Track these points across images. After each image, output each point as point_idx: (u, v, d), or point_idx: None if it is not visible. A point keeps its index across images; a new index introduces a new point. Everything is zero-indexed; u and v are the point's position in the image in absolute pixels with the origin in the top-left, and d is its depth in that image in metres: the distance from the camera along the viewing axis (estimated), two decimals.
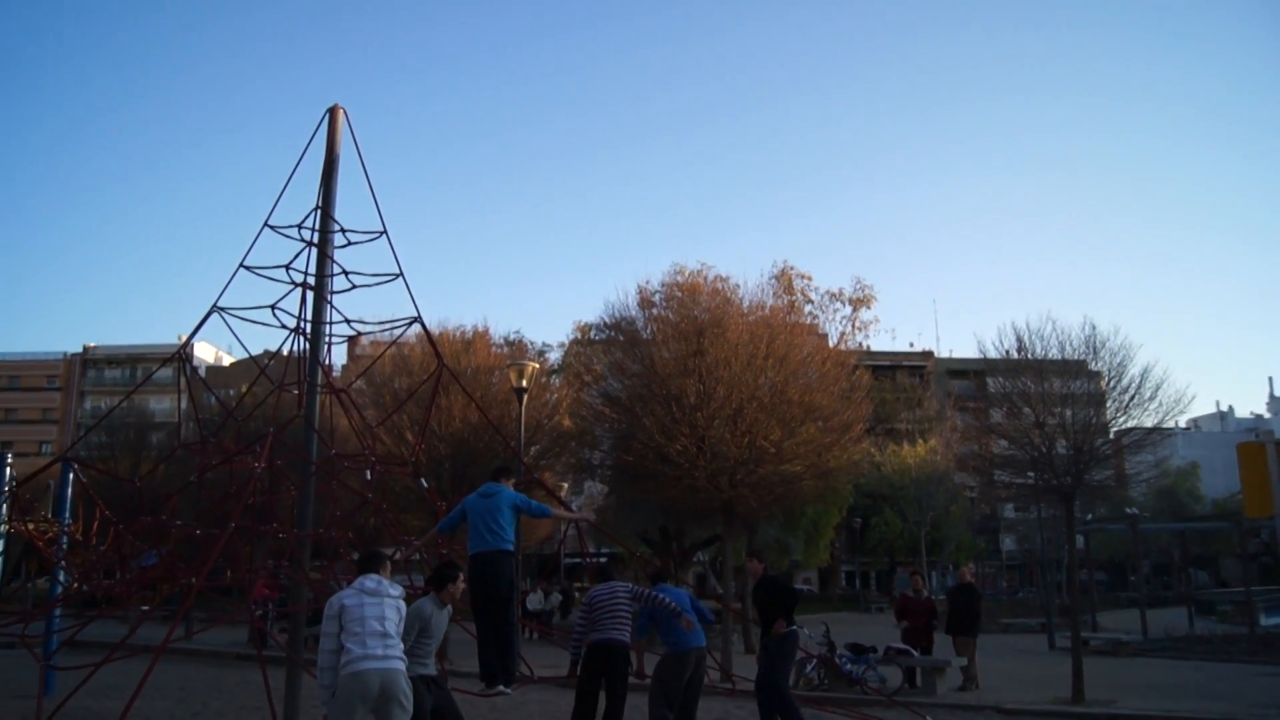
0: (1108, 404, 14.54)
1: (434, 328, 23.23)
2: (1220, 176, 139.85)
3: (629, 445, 21.01)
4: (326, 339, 10.97)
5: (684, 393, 19.31)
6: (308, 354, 10.69)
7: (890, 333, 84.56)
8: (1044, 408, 14.21)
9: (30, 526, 13.34)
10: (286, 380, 11.44)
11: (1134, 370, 14.15)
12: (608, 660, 8.74)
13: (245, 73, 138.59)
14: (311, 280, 10.81)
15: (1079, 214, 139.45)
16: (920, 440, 47.78)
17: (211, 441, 12.46)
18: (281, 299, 11.18)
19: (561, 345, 42.50)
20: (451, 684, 9.00)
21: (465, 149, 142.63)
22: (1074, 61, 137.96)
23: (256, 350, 14.27)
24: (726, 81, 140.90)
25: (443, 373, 12.87)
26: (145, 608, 12.39)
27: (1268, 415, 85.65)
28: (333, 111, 11.02)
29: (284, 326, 11.16)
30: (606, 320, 25.88)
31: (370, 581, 6.59)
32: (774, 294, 28.79)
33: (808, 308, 41.85)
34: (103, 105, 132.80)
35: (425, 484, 13.47)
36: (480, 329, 27.05)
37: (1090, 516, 33.64)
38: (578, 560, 46.64)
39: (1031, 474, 14.95)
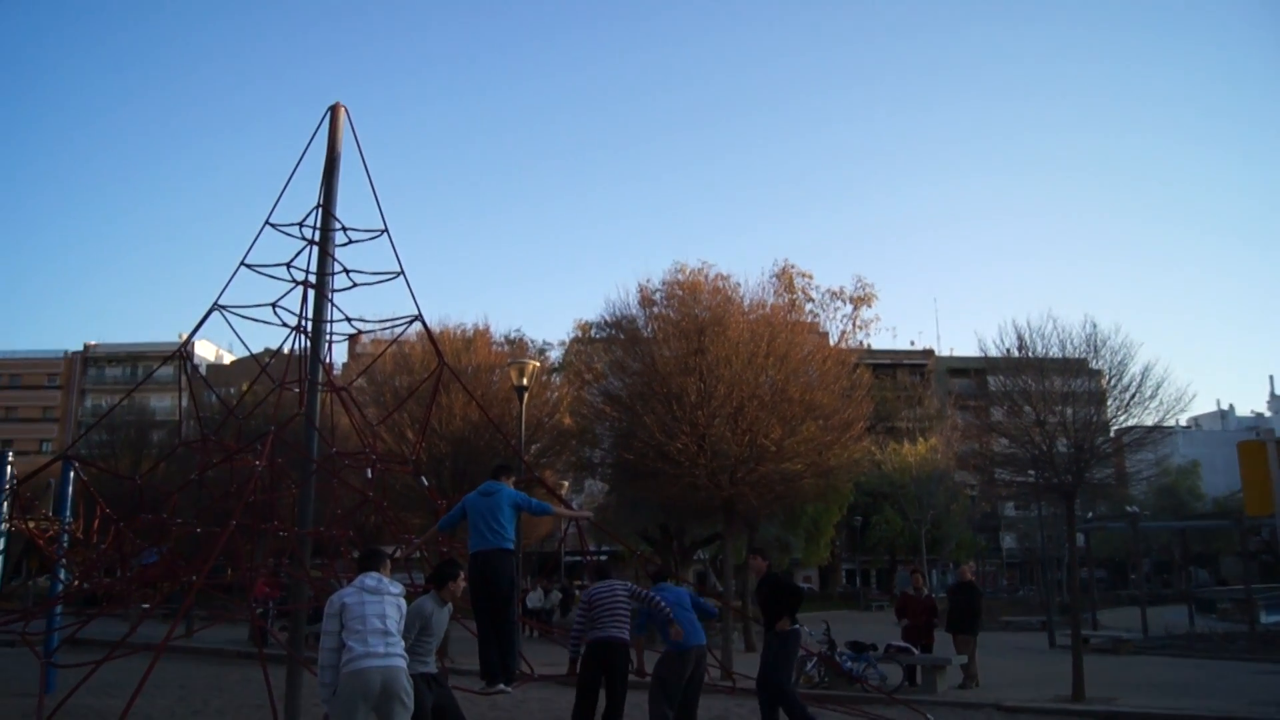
0: (1108, 402, 14.53)
1: (435, 326, 23.25)
2: (1220, 176, 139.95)
3: (630, 443, 21.01)
4: (327, 337, 10.98)
5: (685, 391, 19.31)
6: (309, 352, 10.70)
7: (891, 331, 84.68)
8: (1045, 406, 14.21)
9: (31, 525, 13.36)
10: (287, 378, 11.45)
11: (1135, 369, 14.17)
12: (608, 658, 8.75)
13: (246, 71, 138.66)
14: (313, 278, 10.81)
15: (1080, 213, 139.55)
16: (921, 438, 47.78)
17: (212, 439, 12.47)
18: (283, 297, 11.20)
19: (562, 343, 42.51)
20: (452, 682, 9.01)
21: (466, 148, 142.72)
22: (1074, 62, 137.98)
23: (257, 348, 14.30)
24: (727, 81, 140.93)
25: (443, 371, 12.88)
26: (146, 606, 12.39)
27: (1268, 414, 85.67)
28: (334, 110, 11.02)
29: (285, 325, 11.17)
30: (607, 318, 25.88)
31: (371, 579, 6.60)
32: (775, 292, 28.81)
33: (809, 306, 41.87)
34: (103, 104, 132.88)
35: (426, 482, 13.49)
36: (481, 327, 27.07)
37: (1091, 515, 33.65)
38: (578, 558, 46.65)
39: (1032, 472, 14.95)
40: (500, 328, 37.24)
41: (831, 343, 34.75)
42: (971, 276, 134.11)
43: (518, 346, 36.68)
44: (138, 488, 13.20)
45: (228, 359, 76.79)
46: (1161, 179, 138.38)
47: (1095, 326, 14.51)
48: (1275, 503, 10.56)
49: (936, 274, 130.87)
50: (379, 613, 6.40)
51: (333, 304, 10.92)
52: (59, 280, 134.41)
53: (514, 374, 18.68)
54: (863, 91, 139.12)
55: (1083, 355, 14.69)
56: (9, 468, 13.42)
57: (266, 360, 12.91)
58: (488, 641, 8.32)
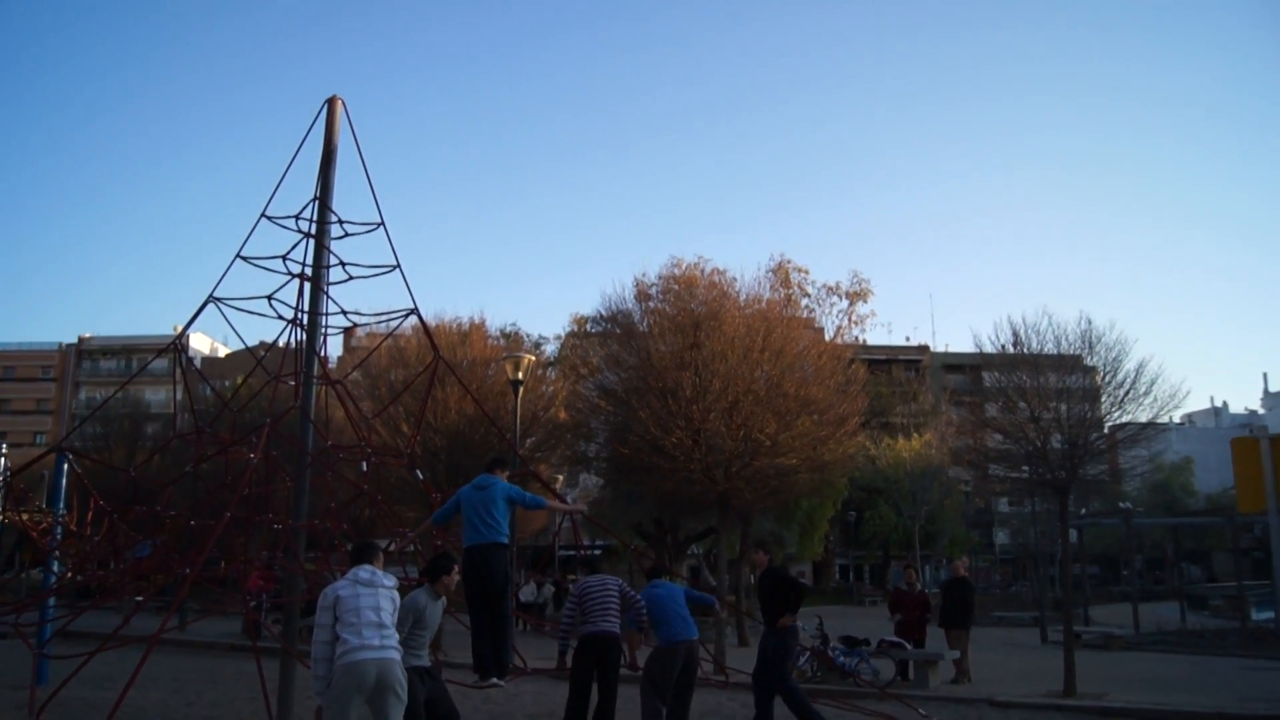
0: (1103, 399, 14.57)
1: (430, 320, 23.22)
2: (1216, 174, 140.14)
3: (625, 438, 21.03)
4: (323, 330, 10.96)
5: (680, 385, 19.33)
6: (304, 345, 10.68)
7: (886, 327, 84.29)
8: (1039, 402, 14.24)
9: (25, 516, 13.34)
10: (283, 371, 11.43)
11: (1129, 365, 14.21)
12: (601, 652, 8.76)
13: (243, 65, 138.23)
14: (308, 271, 10.79)
15: (1075, 211, 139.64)
16: (915, 434, 47.85)
17: (207, 432, 12.45)
18: (278, 290, 11.18)
19: (558, 338, 42.51)
20: (446, 675, 9.03)
21: (463, 142, 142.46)
22: (1069, 62, 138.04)
23: (252, 341, 14.30)
24: (725, 79, 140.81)
25: (439, 365, 12.87)
26: (139, 598, 12.38)
27: (1262, 411, 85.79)
28: (331, 103, 10.98)
29: (280, 317, 11.16)
30: (603, 313, 25.88)
31: (364, 572, 6.60)
32: (770, 287, 28.66)
33: (804, 301, 41.75)
34: (99, 97, 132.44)
35: (420, 476, 13.47)
36: (476, 321, 27.09)
37: (1084, 511, 33.74)
38: (572, 552, 46.71)
39: (1026, 468, 14.97)
40: (496, 322, 37.16)
41: (827, 338, 34.76)
42: (967, 273, 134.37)
43: (513, 341, 36.60)
44: (132, 480, 13.19)
45: (222, 352, 76.68)
46: (1157, 177, 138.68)
47: (1090, 323, 14.56)
48: (1268, 499, 10.59)
49: (932, 270, 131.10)
50: (373, 605, 6.41)
51: (328, 297, 10.90)
52: (54, 273, 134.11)
53: (509, 368, 18.69)
54: (859, 90, 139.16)
55: (1077, 352, 14.71)
56: (3, 459, 13.40)
57: (262, 353, 12.87)
58: (481, 635, 8.33)
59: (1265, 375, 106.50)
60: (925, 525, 46.12)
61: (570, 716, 8.78)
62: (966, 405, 43.17)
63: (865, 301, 45.80)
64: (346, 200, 11.63)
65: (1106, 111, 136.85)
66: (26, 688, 10.30)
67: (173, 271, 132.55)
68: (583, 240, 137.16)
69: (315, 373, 10.58)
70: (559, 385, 28.03)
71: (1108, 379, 14.35)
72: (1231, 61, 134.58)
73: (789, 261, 41.97)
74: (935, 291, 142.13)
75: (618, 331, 23.89)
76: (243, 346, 13.83)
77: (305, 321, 10.75)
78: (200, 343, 78.34)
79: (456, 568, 7.66)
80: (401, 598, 6.92)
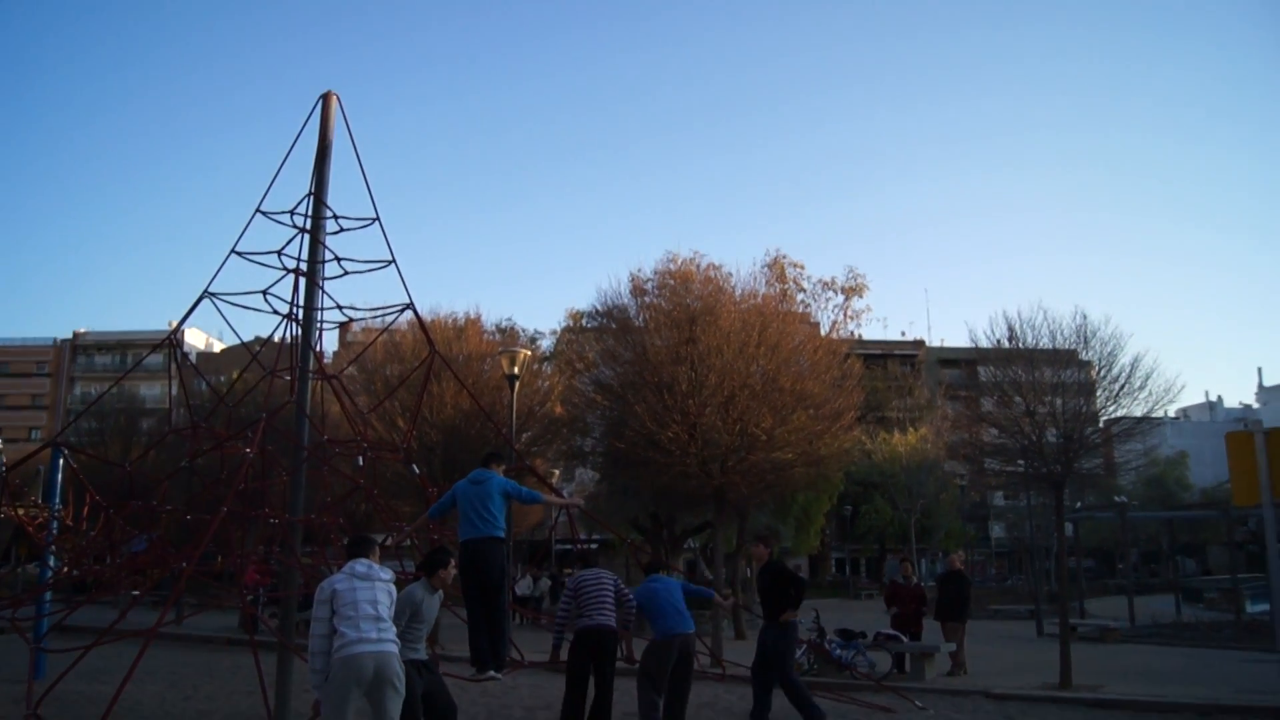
0: (1098, 393, 14.56)
1: (426, 315, 23.17)
2: (1211, 170, 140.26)
3: (620, 432, 21.01)
4: (318, 325, 10.96)
5: (676, 380, 19.31)
6: (299, 340, 10.67)
7: (882, 321, 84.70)
8: (1034, 396, 14.25)
9: (20, 511, 13.32)
10: (278, 366, 11.42)
11: (1124, 359, 14.20)
12: (598, 645, 8.78)
13: (238, 61, 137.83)
14: (303, 266, 10.78)
15: (1070, 207, 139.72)
16: (911, 428, 47.95)
17: (203, 427, 12.44)
18: (274, 284, 11.18)
19: (553, 332, 42.45)
20: (443, 668, 9.05)
21: (458, 139, 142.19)
22: (1065, 60, 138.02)
23: (248, 336, 14.25)
24: (722, 77, 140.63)
25: (434, 359, 12.87)
26: (135, 592, 12.38)
27: (1256, 405, 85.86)
28: (326, 98, 10.96)
29: (276, 312, 11.15)
30: (599, 307, 25.83)
31: (361, 566, 6.61)
32: (766, 282, 28.68)
33: (800, 296, 41.70)
34: (95, 93, 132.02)
35: (416, 470, 13.46)
36: (472, 316, 27.03)
37: (1079, 504, 33.81)
38: (568, 547, 46.74)
39: (1021, 462, 14.99)
40: (491, 316, 37.26)
41: (823, 333, 34.83)
42: (962, 268, 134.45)
43: (509, 335, 36.59)
44: (127, 475, 13.17)
45: (218, 347, 76.57)
46: (1152, 173, 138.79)
47: (1085, 317, 14.54)
48: (1262, 493, 10.61)
49: (927, 265, 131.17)
50: (370, 598, 6.41)
51: (324, 292, 10.90)
52: (49, 268, 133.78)
53: (505, 362, 18.68)
54: (855, 88, 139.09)
55: (1073, 346, 14.72)
56: None
57: (257, 348, 12.86)
58: (478, 628, 8.33)
59: (1260, 369, 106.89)
60: (921, 519, 46.20)
61: (567, 711, 8.80)
62: (962, 400, 43.15)
63: (861, 296, 45.83)
64: (342, 196, 11.63)
65: (1102, 109, 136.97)
66: (24, 682, 10.30)
67: (168, 267, 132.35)
68: (578, 236, 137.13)
69: (311, 368, 10.58)
70: (555, 380, 28.00)
71: (1103, 373, 14.36)
72: (1229, 57, 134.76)
73: (784, 256, 41.99)
74: (930, 286, 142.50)
75: (613, 326, 23.84)
76: (238, 341, 13.83)
77: (300, 316, 10.74)
78: (195, 338, 78.19)
79: (453, 561, 7.67)
80: (398, 592, 6.93)
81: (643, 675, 9.10)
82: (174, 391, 13.82)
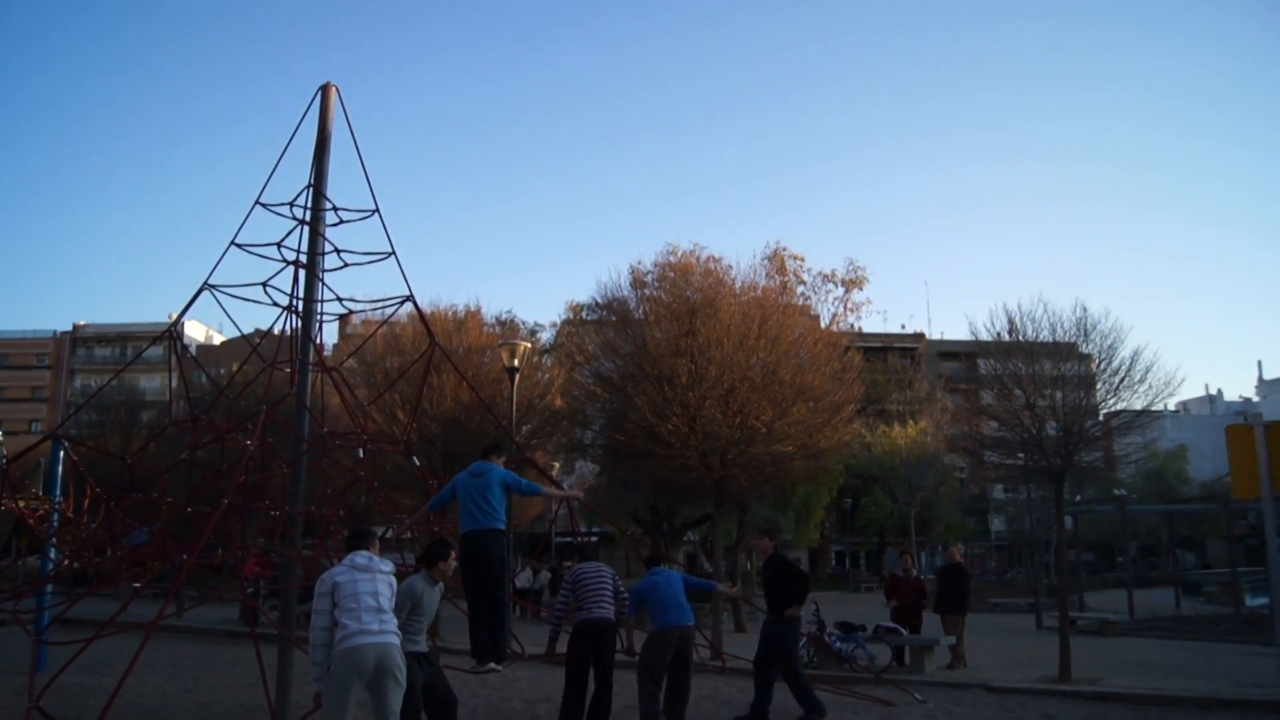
0: (1098, 386, 14.55)
1: (426, 307, 23.19)
2: (1211, 164, 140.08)
3: (621, 425, 21.02)
4: (318, 317, 10.93)
5: (676, 373, 19.31)
6: (299, 332, 10.65)
7: (882, 314, 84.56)
8: (1034, 389, 14.23)
9: (21, 504, 13.32)
10: (278, 358, 11.41)
11: (1124, 353, 14.18)
12: (598, 638, 8.79)
13: (238, 52, 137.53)
14: (303, 258, 10.75)
15: (1071, 201, 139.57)
16: (911, 421, 47.94)
17: (203, 419, 12.43)
18: (273, 277, 11.14)
19: (553, 325, 42.49)
20: (443, 661, 9.04)
21: (458, 132, 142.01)
22: (1065, 54, 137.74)
23: (248, 329, 14.24)
24: (723, 69, 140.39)
25: (434, 352, 12.86)
26: (136, 585, 12.40)
27: (1256, 398, 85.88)
28: (325, 89, 10.92)
29: (276, 304, 11.12)
30: (598, 300, 25.82)
31: (361, 558, 6.60)
32: (766, 275, 28.69)
33: (800, 289, 41.74)
34: (93, 83, 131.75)
35: (417, 462, 13.47)
36: (472, 309, 27.05)
37: (1079, 498, 33.81)
38: (569, 539, 46.80)
39: (1021, 455, 14.98)
40: (491, 309, 37.18)
41: (823, 325, 34.76)
42: (962, 261, 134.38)
43: (509, 328, 36.57)
44: (128, 467, 13.17)
45: (217, 339, 76.58)
46: (1152, 167, 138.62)
47: (1085, 310, 14.52)
48: (1262, 486, 10.61)
49: (928, 258, 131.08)
50: (371, 590, 6.41)
51: (324, 284, 10.87)
52: (49, 260, 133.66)
53: (505, 355, 18.68)
54: (856, 81, 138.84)
55: (1073, 339, 14.71)
56: None
57: (257, 340, 12.85)
58: (478, 621, 8.34)
59: (1260, 363, 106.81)
60: (921, 512, 46.22)
61: (567, 704, 8.80)
62: (962, 392, 43.18)
63: (861, 289, 45.88)
64: (342, 188, 11.63)
65: (1102, 102, 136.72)
66: (25, 674, 10.31)
67: (168, 259, 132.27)
68: (578, 229, 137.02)
69: (311, 360, 10.57)
70: (555, 373, 28.02)
71: (1103, 366, 14.34)
72: (1229, 51, 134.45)
73: (785, 249, 42.01)
74: (931, 279, 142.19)
75: (613, 319, 23.84)
76: (238, 334, 13.82)
77: (300, 308, 10.72)
78: (195, 330, 78.19)
79: (453, 553, 7.67)
80: (398, 584, 6.93)
81: (642, 667, 9.14)
82: (174, 384, 13.82)
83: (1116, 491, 34.97)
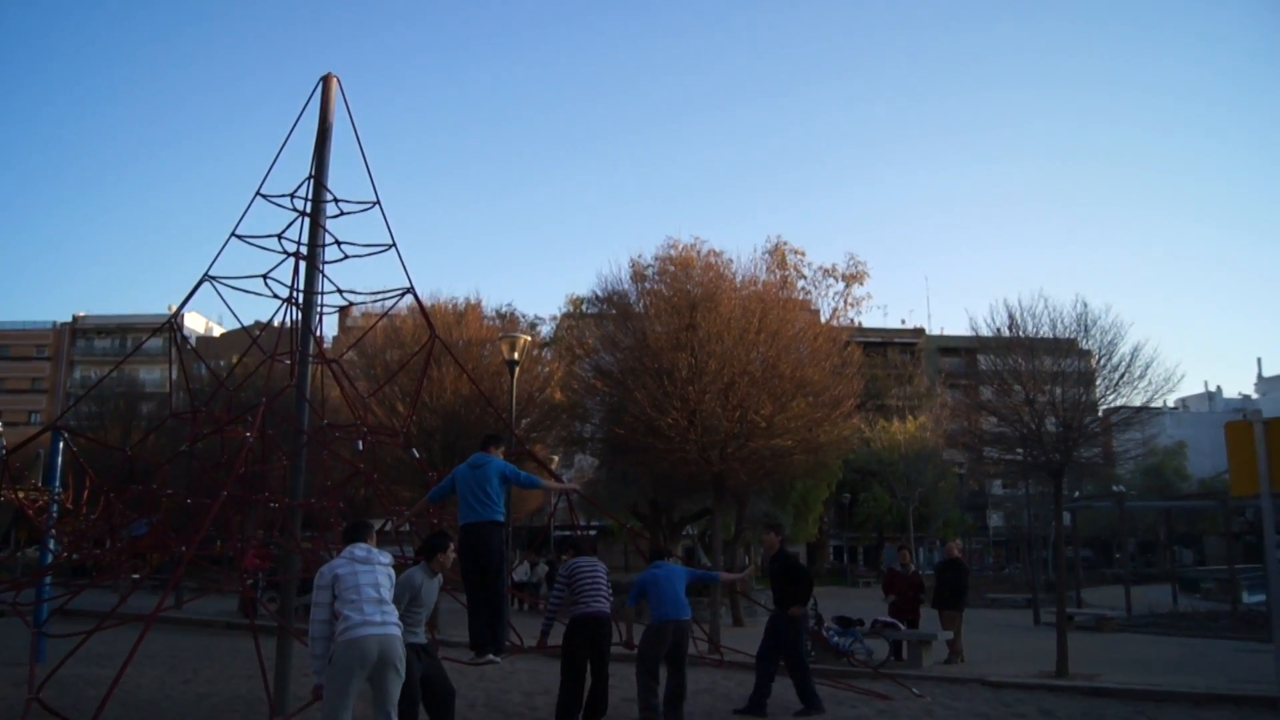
0: (1097, 382, 14.55)
1: (426, 299, 23.16)
2: (1211, 161, 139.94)
3: (620, 418, 21.01)
4: (318, 309, 10.93)
5: (676, 366, 19.30)
6: (299, 324, 10.65)
7: (882, 309, 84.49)
8: (1034, 385, 14.23)
9: (20, 495, 13.32)
10: (278, 350, 11.41)
11: (1124, 349, 14.17)
12: (595, 632, 8.80)
13: (238, 43, 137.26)
14: (304, 250, 10.75)
15: (1071, 197, 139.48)
16: (910, 417, 47.94)
17: (202, 411, 12.43)
18: (274, 269, 11.15)
19: (553, 318, 42.36)
20: (442, 653, 9.06)
21: (459, 123, 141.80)
22: (1066, 53, 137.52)
23: (248, 320, 14.22)
24: (726, 66, 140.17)
25: (434, 344, 12.85)
26: (136, 577, 12.39)
27: (1255, 396, 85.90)
28: (326, 80, 10.91)
29: (276, 296, 11.12)
30: (599, 293, 25.80)
31: (360, 550, 6.62)
32: (767, 269, 28.56)
33: (800, 283, 41.56)
34: (92, 73, 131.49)
35: (416, 454, 13.47)
36: (472, 301, 27.00)
37: (1077, 494, 33.86)
38: (568, 533, 46.84)
39: (1020, 451, 14.98)
40: (492, 302, 37.19)
41: (823, 320, 34.72)
42: (963, 256, 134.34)
43: (509, 321, 36.52)
44: (127, 459, 13.17)
45: (218, 331, 76.52)
46: (1152, 165, 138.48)
47: (1086, 307, 14.50)
48: (1260, 483, 10.61)
49: (928, 253, 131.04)
50: (372, 581, 6.42)
51: (324, 276, 10.87)
52: (48, 251, 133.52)
53: (505, 348, 18.68)
54: (858, 78, 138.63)
55: (1073, 335, 14.70)
56: None
57: (257, 332, 12.84)
58: (477, 612, 8.35)
59: (1259, 360, 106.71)
60: (919, 507, 46.25)
61: (565, 698, 8.80)
62: (961, 388, 43.15)
63: (861, 284, 45.63)
64: (342, 180, 11.59)
65: (1102, 101, 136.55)
66: (25, 665, 10.32)
67: (168, 251, 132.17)
68: (579, 222, 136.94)
69: (311, 351, 10.57)
70: (555, 366, 27.98)
71: (1103, 363, 14.34)
72: (1228, 50, 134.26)
73: (785, 243, 41.84)
74: (931, 274, 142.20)
75: (613, 312, 23.82)
76: (238, 325, 13.80)
77: (301, 300, 10.72)
78: (195, 322, 78.16)
79: (452, 545, 7.68)
80: (397, 575, 6.93)
81: (639, 660, 9.17)
82: (174, 375, 13.81)
83: (1115, 488, 34.98)
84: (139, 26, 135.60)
